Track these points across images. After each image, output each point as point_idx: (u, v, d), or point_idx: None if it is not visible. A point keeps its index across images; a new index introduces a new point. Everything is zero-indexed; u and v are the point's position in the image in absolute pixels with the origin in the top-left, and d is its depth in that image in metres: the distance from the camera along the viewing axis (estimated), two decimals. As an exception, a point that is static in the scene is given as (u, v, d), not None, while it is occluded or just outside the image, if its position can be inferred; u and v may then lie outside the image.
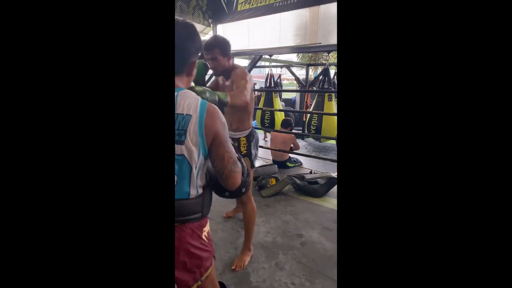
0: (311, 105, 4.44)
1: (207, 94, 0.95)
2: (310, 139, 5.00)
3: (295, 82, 4.70)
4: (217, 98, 1.04)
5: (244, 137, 1.39)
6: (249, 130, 1.41)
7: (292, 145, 2.97)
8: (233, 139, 1.38)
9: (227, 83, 1.34)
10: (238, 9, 4.18)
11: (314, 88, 4.15)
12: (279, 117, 3.38)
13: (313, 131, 3.39)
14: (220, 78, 1.39)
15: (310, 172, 2.60)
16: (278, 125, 3.28)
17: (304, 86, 4.73)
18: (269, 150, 3.07)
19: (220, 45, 1.23)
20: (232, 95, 1.10)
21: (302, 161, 3.14)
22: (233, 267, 1.34)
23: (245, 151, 1.38)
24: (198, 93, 0.96)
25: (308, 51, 7.78)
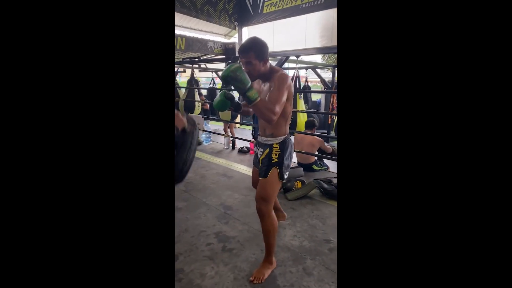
0: (337, 107, 4.33)
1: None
2: (336, 142, 4.87)
3: (319, 84, 4.61)
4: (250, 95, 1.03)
5: (277, 143, 1.26)
6: (285, 136, 1.28)
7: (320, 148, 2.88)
8: (265, 145, 1.29)
9: (264, 86, 1.24)
10: (264, 11, 4.20)
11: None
12: (302, 119, 3.31)
13: (340, 134, 3.30)
14: (256, 82, 1.29)
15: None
16: (300, 127, 3.21)
17: (330, 88, 4.62)
18: (294, 153, 3.02)
19: (255, 49, 1.15)
20: (263, 106, 1.07)
21: (328, 164, 3.06)
22: (251, 279, 1.26)
23: (276, 159, 1.24)
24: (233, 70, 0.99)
25: (335, 52, 7.59)
